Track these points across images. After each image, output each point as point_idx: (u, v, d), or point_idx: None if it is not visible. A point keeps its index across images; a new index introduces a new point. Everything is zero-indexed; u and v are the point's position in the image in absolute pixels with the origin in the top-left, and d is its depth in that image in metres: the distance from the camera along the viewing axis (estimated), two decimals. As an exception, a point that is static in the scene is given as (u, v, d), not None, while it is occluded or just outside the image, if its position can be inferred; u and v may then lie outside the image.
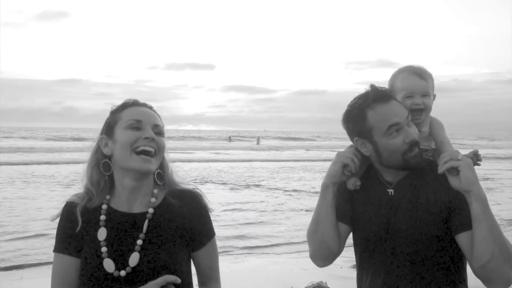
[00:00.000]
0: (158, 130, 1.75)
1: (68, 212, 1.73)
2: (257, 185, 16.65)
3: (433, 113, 1.97)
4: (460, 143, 57.65)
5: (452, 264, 1.79)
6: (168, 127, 1.82)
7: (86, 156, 1.78)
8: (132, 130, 1.70)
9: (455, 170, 1.63)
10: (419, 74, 1.92)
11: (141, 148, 1.68)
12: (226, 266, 6.40)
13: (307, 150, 47.89)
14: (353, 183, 1.87)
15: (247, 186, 16.35)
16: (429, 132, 1.94)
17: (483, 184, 1.65)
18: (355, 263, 1.86)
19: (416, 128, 1.83)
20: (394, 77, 1.98)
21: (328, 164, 1.92)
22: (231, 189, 15.66)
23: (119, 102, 1.79)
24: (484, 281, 1.68)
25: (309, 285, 5.12)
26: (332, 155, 1.92)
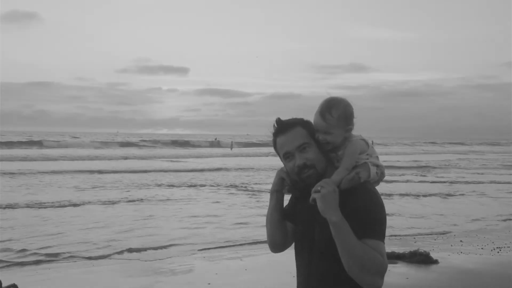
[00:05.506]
0: None
1: None
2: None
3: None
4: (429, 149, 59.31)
5: None
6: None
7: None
8: None
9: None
10: (322, 114, 2.09)
11: None
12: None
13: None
14: (286, 189, 2.24)
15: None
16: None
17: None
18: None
19: (311, 153, 2.09)
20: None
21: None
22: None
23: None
24: None
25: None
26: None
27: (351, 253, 1.90)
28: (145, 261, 8.28)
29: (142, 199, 15.67)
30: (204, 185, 20.26)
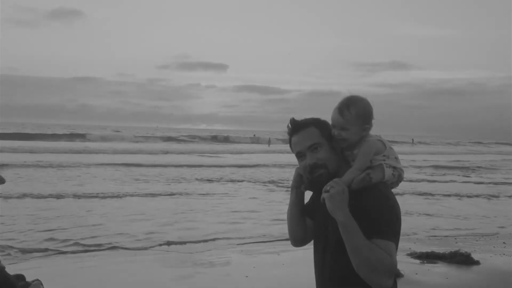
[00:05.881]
0: None
1: None
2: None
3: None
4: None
5: None
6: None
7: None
8: None
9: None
10: (340, 109, 2.10)
11: None
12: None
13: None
14: (303, 187, 2.26)
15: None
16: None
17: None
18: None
19: (323, 153, 2.11)
20: None
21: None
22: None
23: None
24: None
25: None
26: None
27: (359, 252, 1.91)
28: (185, 253, 8.46)
29: (181, 193, 15.97)
30: (242, 181, 20.45)
